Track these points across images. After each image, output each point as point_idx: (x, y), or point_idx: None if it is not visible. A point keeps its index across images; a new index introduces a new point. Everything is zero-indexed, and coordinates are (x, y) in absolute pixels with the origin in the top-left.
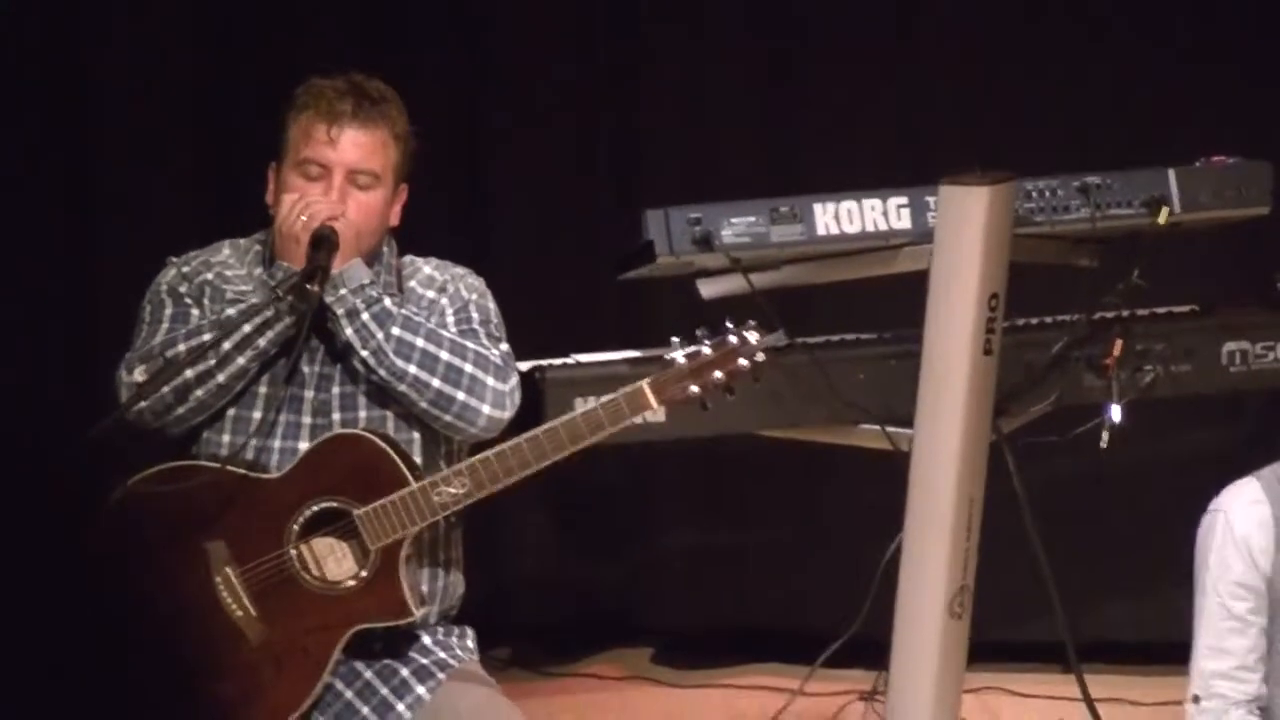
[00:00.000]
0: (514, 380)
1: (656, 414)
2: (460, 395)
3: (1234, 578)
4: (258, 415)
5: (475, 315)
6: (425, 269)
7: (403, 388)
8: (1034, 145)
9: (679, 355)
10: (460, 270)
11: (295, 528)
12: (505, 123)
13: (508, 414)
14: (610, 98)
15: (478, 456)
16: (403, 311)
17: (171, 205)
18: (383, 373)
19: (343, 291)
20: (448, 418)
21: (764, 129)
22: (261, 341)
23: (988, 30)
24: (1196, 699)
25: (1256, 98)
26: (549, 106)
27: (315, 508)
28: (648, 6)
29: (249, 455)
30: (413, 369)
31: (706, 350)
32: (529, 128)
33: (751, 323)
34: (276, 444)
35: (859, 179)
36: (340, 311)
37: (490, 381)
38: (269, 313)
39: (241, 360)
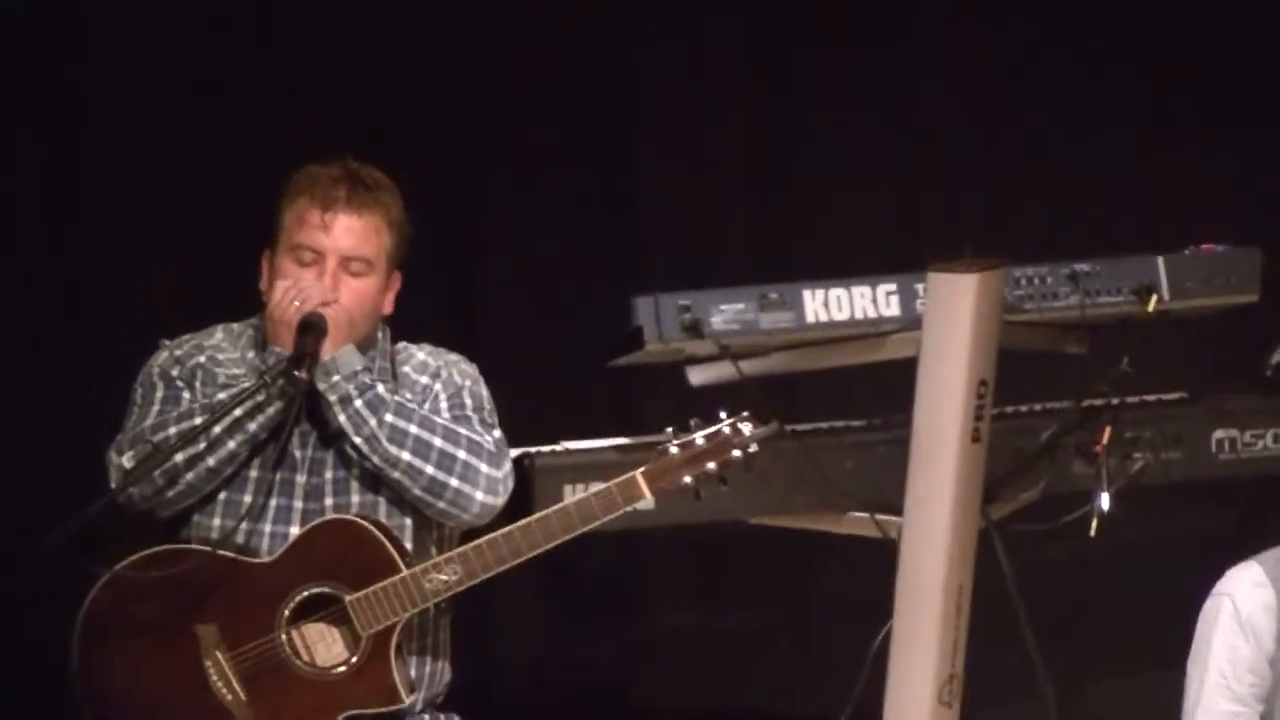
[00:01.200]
0: (507, 467)
1: (647, 502)
2: (454, 482)
3: (1243, 662)
4: (249, 499)
5: (469, 401)
6: (419, 355)
7: (396, 475)
8: (1024, 230)
9: (673, 445)
10: (454, 357)
11: (286, 612)
12: (496, 208)
13: (501, 500)
14: (601, 183)
15: (470, 544)
16: (396, 398)
17: (164, 286)
18: (376, 460)
19: (335, 378)
20: (441, 504)
21: (755, 215)
22: (252, 426)
23: (980, 113)
24: None
25: (1247, 184)
26: (541, 190)
27: (306, 593)
28: (640, 92)
29: (240, 539)
30: (406, 455)
31: (700, 440)
32: (520, 213)
33: (745, 414)
34: (268, 528)
35: (850, 260)
36: (333, 398)
37: (484, 468)
38: (260, 397)
39: (232, 444)
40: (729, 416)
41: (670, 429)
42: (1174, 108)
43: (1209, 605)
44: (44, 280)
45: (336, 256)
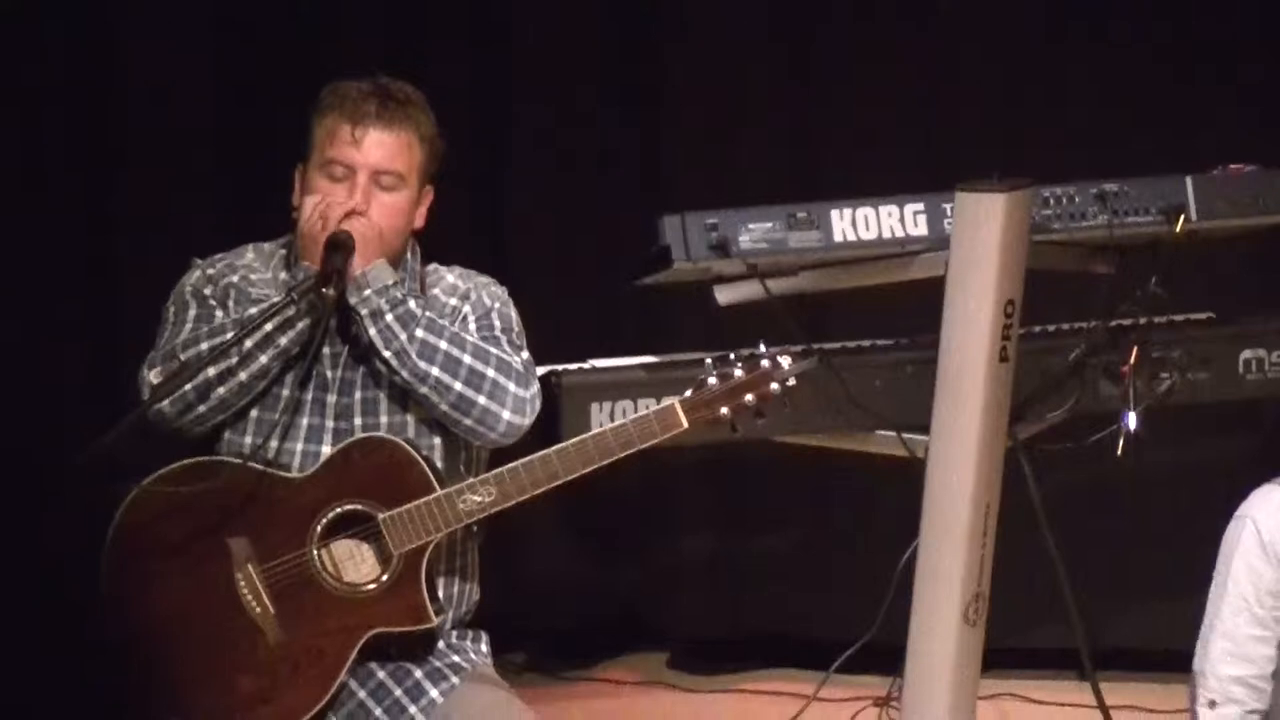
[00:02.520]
0: (535, 387)
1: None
2: (481, 400)
3: (1265, 585)
4: (280, 417)
5: (497, 323)
6: (448, 277)
7: (424, 390)
8: (1052, 151)
9: (711, 376)
10: (483, 279)
11: (318, 529)
12: (524, 128)
13: (527, 420)
14: (630, 102)
15: (506, 467)
16: (427, 314)
17: (193, 208)
18: (405, 374)
19: (367, 292)
20: (468, 422)
21: (783, 133)
22: (283, 340)
23: (1007, 37)
24: (1213, 704)
25: (1278, 104)
26: (569, 111)
27: (339, 509)
28: (669, 13)
29: (269, 456)
30: (435, 371)
31: (739, 372)
32: (548, 132)
33: (784, 346)
34: (299, 446)
35: (877, 185)
36: (364, 312)
37: (512, 387)
38: (289, 312)
39: (263, 359)
40: (768, 348)
41: (709, 359)
42: (1204, 26)
43: (1231, 528)
44: (74, 202)
45: (367, 171)
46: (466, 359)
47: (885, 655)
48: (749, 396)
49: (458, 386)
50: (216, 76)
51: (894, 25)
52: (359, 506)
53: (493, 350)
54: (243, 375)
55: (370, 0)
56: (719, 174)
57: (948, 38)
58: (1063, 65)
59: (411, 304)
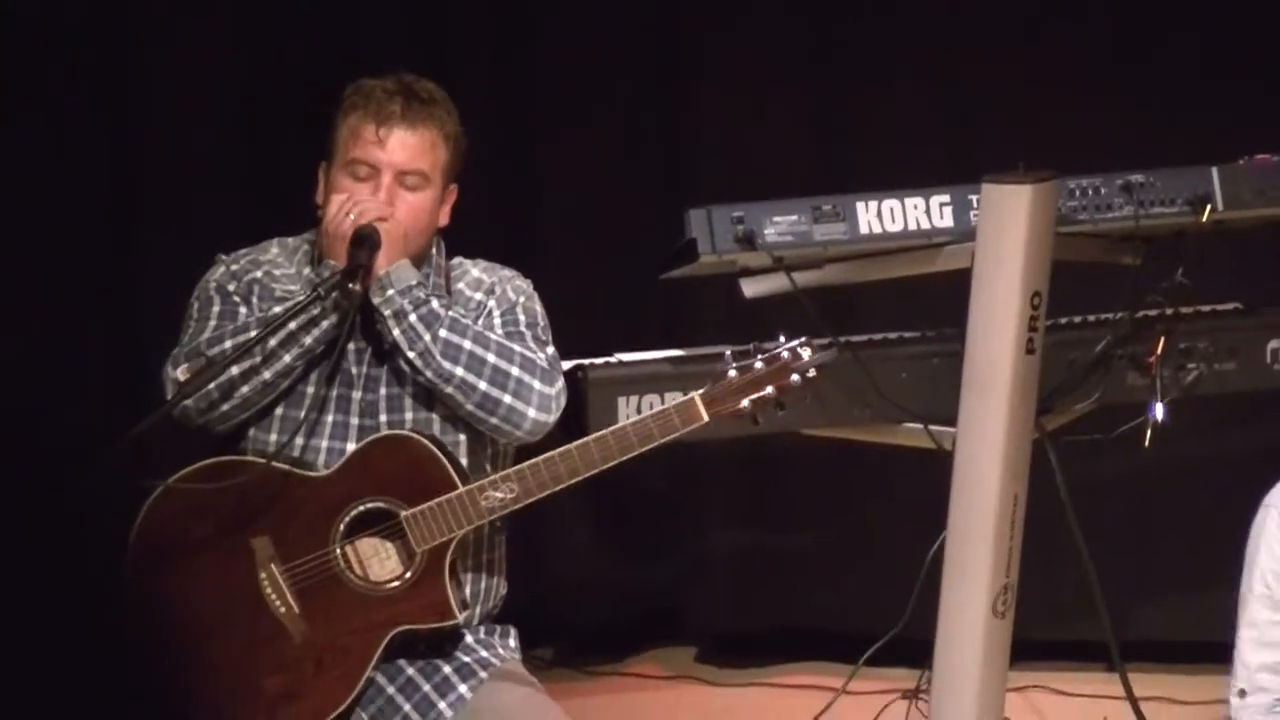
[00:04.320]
0: (559, 384)
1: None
2: (506, 398)
3: None
4: (305, 415)
5: (522, 318)
6: (473, 271)
7: (449, 390)
8: (1077, 143)
9: (731, 369)
10: (508, 272)
11: (341, 527)
12: (550, 120)
13: (553, 417)
14: (655, 95)
15: (528, 463)
16: (450, 313)
17: (216, 204)
18: (429, 374)
19: (390, 293)
20: (493, 420)
21: (808, 127)
22: (307, 339)
23: (1032, 28)
24: (1242, 693)
25: None
26: (595, 104)
27: (361, 507)
28: (695, 8)
29: (295, 454)
30: (459, 371)
31: (759, 364)
32: (573, 125)
33: (805, 338)
34: (324, 443)
35: (902, 177)
36: (387, 313)
37: (536, 385)
38: (314, 310)
39: (287, 358)
40: (788, 340)
41: (728, 351)
42: (1229, 16)
43: (1258, 517)
44: (96, 200)
45: (392, 171)
46: (491, 357)
47: (914, 648)
48: (769, 388)
49: (482, 385)
50: (241, 77)
51: (918, 17)
52: (381, 504)
53: (517, 348)
54: (267, 374)
55: None
56: (743, 166)
57: (972, 28)
58: (1088, 56)
59: (435, 304)
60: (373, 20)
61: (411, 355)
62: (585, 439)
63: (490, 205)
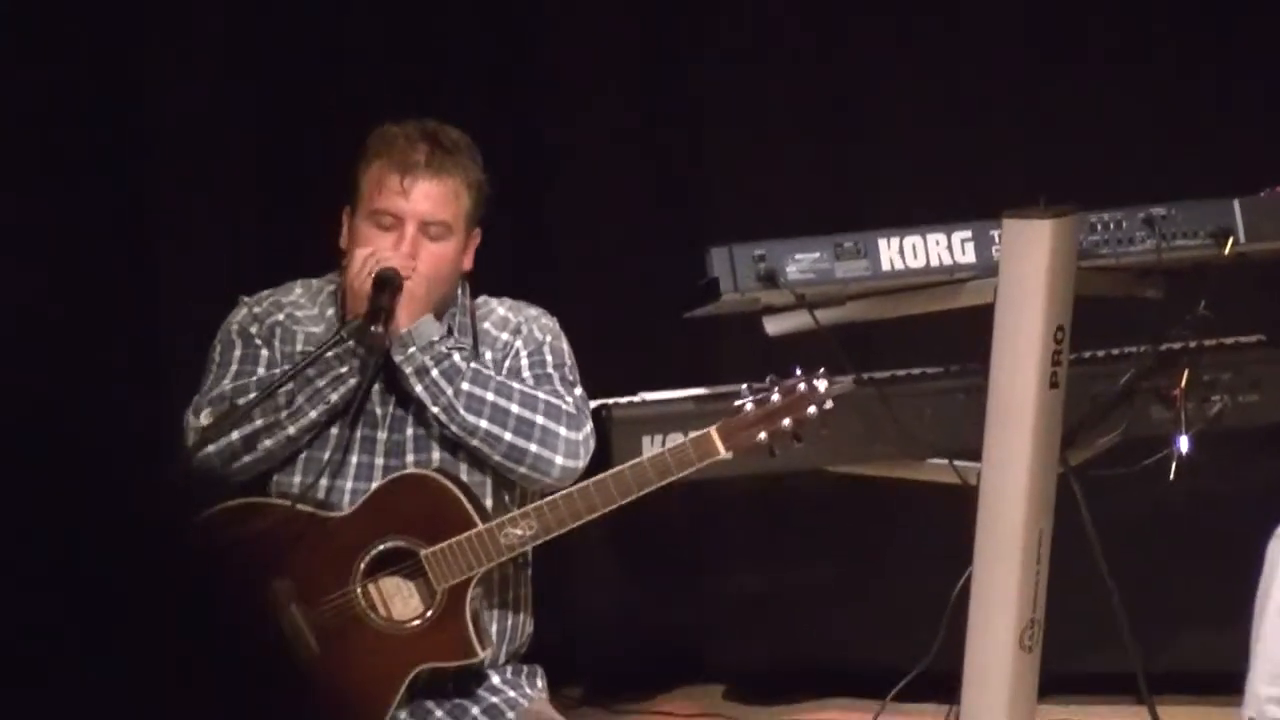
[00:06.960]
0: (587, 428)
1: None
2: (533, 448)
3: None
4: (329, 455)
5: (550, 358)
6: (499, 310)
7: (475, 442)
8: (1099, 176)
9: (748, 402)
10: (534, 311)
11: (361, 566)
12: (570, 158)
13: (581, 463)
14: (674, 133)
15: (545, 500)
16: (473, 366)
17: (236, 244)
18: (454, 429)
19: (411, 350)
20: (522, 469)
21: (828, 163)
22: (334, 397)
23: (1052, 62)
24: None
25: None
26: (614, 143)
27: (382, 547)
28: (710, 41)
29: (320, 495)
30: (484, 424)
31: (776, 397)
32: (594, 163)
33: (821, 370)
34: (349, 484)
35: (923, 213)
36: (409, 370)
37: (563, 432)
38: (343, 369)
39: (313, 414)
40: (804, 372)
41: (745, 385)
42: (1249, 47)
43: (1271, 547)
44: (116, 240)
45: (416, 221)
46: (514, 408)
47: (942, 683)
48: (786, 421)
49: (508, 436)
50: (260, 108)
51: (937, 50)
52: (401, 543)
53: (541, 395)
54: (292, 429)
55: (413, 27)
56: (766, 204)
57: (992, 62)
58: (1109, 89)
59: (456, 358)
60: (383, 52)
61: (435, 410)
62: (603, 475)
63: (509, 243)
